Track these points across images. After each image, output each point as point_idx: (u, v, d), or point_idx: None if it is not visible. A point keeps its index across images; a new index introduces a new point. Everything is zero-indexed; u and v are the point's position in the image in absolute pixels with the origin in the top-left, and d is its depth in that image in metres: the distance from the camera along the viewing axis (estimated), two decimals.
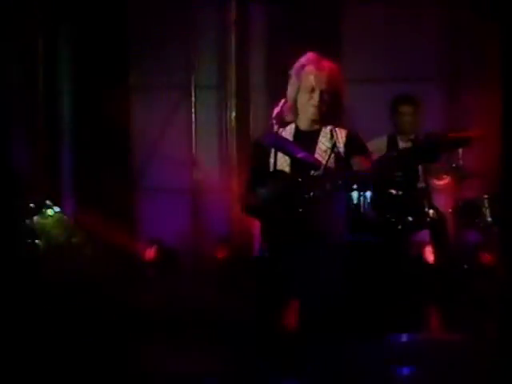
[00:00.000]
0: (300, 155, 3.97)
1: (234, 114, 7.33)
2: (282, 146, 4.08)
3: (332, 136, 4.06)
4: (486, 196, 5.43)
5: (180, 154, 7.16)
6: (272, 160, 4.10)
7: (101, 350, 5.37)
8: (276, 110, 4.06)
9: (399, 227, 5.21)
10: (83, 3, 6.91)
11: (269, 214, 4.00)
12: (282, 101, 4.10)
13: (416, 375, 4.66)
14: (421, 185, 5.45)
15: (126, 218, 7.04)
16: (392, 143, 6.12)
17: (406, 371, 4.61)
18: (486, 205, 5.56)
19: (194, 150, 7.29)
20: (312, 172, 3.90)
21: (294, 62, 6.80)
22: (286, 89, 6.88)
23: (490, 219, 5.58)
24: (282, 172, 4.10)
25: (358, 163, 4.05)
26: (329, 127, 4.07)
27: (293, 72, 4.20)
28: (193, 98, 7.29)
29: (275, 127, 4.04)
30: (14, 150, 6.81)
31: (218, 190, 7.18)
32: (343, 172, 3.93)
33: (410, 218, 5.32)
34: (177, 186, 7.15)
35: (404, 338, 5.12)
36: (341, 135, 4.11)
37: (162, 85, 7.23)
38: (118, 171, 6.97)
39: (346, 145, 4.08)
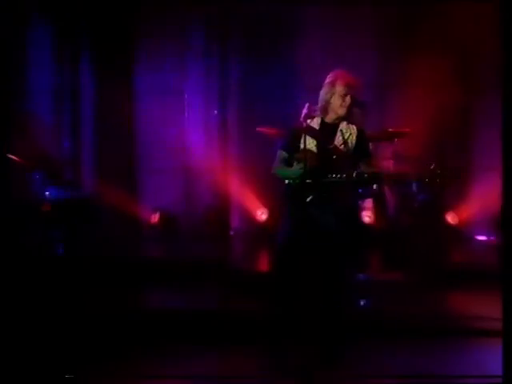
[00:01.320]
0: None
1: (215, 112, 8.78)
2: (311, 132, 5.01)
3: (347, 130, 5.07)
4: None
5: (175, 143, 8.61)
6: (302, 141, 4.87)
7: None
8: (304, 111, 4.93)
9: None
10: (101, 28, 8.30)
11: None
12: (307, 104, 4.96)
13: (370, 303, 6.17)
14: None
15: (134, 192, 8.50)
16: None
17: (363, 301, 6.14)
18: (414, 180, 6.89)
19: (186, 140, 8.71)
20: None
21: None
22: (258, 91, 8.49)
23: (414, 189, 7.18)
24: (310, 150, 4.95)
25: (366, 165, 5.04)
26: (345, 123, 5.05)
27: (328, 81, 5.08)
28: (185, 100, 8.73)
29: (304, 124, 4.89)
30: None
31: (204, 170, 8.60)
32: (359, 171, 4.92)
33: (360, 190, 6.92)
34: (173, 166, 8.55)
35: (362, 277, 6.72)
36: (353, 130, 5.10)
37: (161, 89, 8.57)
38: (128, 156, 8.38)
39: (357, 138, 5.07)
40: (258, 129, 6.33)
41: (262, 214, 8.57)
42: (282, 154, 5.11)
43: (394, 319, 5.95)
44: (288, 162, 5.11)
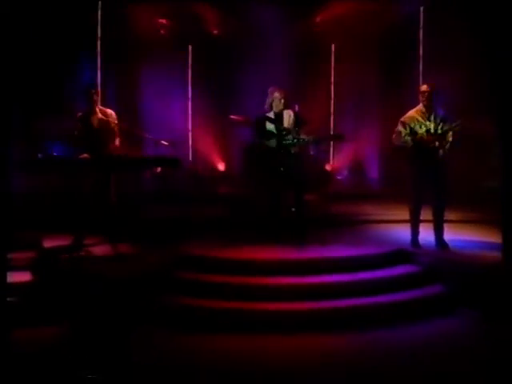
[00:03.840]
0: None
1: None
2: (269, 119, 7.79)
3: (287, 113, 7.78)
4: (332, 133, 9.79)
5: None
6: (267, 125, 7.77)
7: None
8: (266, 107, 7.89)
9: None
10: None
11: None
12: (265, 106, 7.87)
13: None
14: None
15: None
16: None
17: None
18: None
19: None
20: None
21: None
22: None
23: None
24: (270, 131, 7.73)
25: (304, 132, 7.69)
26: (285, 111, 7.79)
27: (270, 92, 7.85)
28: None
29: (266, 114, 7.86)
30: None
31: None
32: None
33: None
34: None
35: None
36: (291, 113, 7.83)
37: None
38: None
39: (295, 116, 7.80)
40: (230, 116, 8.57)
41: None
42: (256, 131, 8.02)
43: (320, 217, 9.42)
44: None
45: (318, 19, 12.66)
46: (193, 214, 9.47)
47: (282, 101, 7.89)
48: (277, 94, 7.90)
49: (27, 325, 6.19)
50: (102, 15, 12.08)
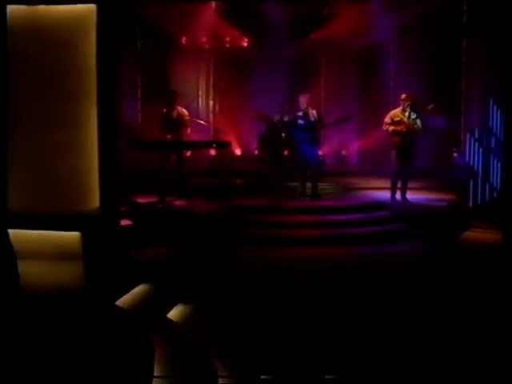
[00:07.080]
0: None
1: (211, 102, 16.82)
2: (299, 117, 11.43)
3: (311, 111, 11.46)
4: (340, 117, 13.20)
5: None
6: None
7: None
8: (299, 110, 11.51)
9: None
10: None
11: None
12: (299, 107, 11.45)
13: None
14: None
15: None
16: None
17: None
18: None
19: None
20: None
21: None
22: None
23: None
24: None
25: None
26: (310, 109, 11.44)
27: (299, 97, 11.50)
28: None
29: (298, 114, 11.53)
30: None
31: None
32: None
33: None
34: None
35: None
36: (314, 111, 11.51)
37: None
38: None
39: (317, 114, 11.49)
40: (251, 113, 12.63)
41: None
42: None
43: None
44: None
45: (311, 38, 16.35)
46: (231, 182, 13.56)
47: (307, 103, 11.55)
48: (302, 100, 11.55)
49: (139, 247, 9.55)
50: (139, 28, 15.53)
